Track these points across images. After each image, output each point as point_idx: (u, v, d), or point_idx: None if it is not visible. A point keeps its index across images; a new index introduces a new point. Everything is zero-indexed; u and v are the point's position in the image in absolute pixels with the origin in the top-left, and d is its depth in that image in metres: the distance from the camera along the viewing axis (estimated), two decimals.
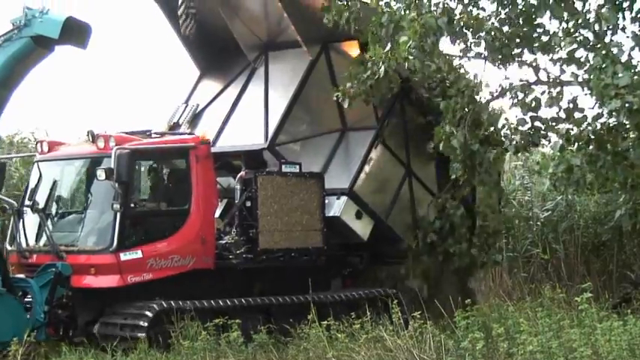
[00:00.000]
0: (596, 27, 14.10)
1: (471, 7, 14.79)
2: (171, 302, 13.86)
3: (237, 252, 15.00)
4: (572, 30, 14.26)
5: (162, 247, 14.43)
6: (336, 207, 15.98)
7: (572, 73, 14.24)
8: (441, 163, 16.98)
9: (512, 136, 14.70)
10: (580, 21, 14.18)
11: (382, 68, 14.73)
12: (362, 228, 16.21)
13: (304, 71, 16.27)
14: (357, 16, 15.22)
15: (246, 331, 13.81)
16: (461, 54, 15.18)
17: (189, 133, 15.91)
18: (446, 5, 14.51)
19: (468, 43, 14.78)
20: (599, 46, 13.97)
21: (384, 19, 14.79)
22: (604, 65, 13.50)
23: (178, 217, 14.68)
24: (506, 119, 14.89)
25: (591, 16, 14.17)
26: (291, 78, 16.47)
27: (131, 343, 13.53)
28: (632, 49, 14.05)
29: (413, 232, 16.88)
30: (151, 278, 14.27)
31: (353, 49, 16.48)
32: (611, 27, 14.04)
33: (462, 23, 14.53)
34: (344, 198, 16.01)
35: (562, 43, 14.14)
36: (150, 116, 26.11)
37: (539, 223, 20.09)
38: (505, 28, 14.68)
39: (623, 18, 14.29)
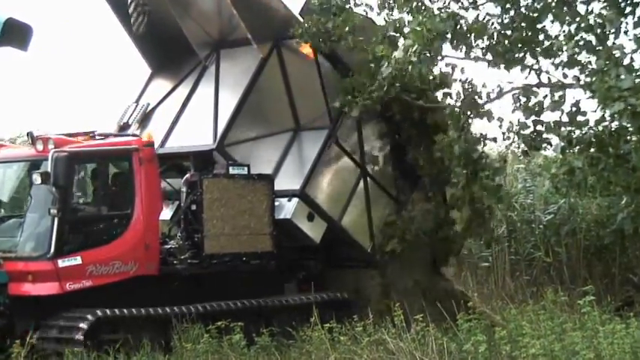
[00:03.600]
0: (599, 30, 13.98)
1: (473, 11, 14.83)
2: (107, 311, 13.45)
3: (182, 257, 14.57)
4: (574, 33, 14.16)
5: (103, 253, 14.02)
6: (287, 209, 15.53)
7: (574, 76, 14.22)
8: (402, 164, 16.71)
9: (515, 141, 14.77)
10: (583, 24, 14.07)
11: (389, 69, 14.49)
12: (314, 230, 15.76)
13: (255, 69, 15.82)
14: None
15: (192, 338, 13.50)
16: (463, 56, 15.05)
17: (133, 135, 15.46)
18: (451, 10, 14.47)
19: (470, 47, 14.72)
20: (601, 48, 13.86)
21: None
22: (606, 68, 13.39)
23: (120, 222, 14.29)
24: (510, 122, 14.76)
25: (592, 18, 14.07)
26: (242, 77, 15.97)
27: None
28: (635, 51, 13.94)
29: (368, 233, 16.47)
30: (91, 285, 13.87)
31: (306, 46, 16.00)
32: (613, 30, 13.91)
33: (465, 28, 14.46)
34: (295, 200, 15.55)
35: (564, 47, 14.06)
36: (103, 116, 25.58)
37: (541, 226, 20.10)
38: (508, 32, 14.64)
39: (626, 22, 14.20)
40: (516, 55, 14.42)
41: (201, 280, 14.97)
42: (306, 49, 15.92)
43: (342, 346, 12.76)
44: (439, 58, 14.58)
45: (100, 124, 17.52)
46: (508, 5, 14.41)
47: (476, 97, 15.02)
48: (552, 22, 14.28)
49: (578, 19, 14.04)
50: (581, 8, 14.23)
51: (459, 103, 15.09)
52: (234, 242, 14.97)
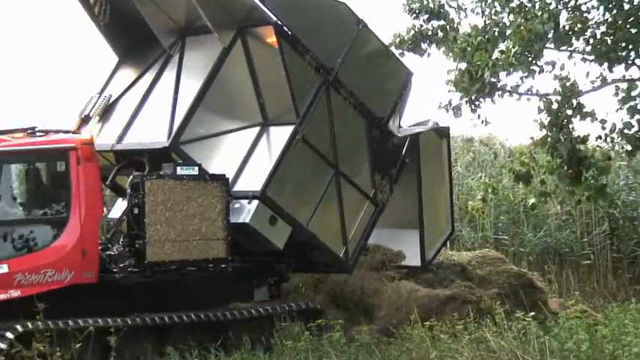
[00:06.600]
0: None
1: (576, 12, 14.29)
2: (18, 326, 12.37)
3: (122, 265, 13.44)
4: None
5: (33, 260, 12.97)
6: (246, 212, 14.25)
7: None
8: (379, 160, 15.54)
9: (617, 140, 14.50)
10: None
11: (488, 74, 13.81)
12: (276, 235, 14.45)
13: (216, 59, 14.57)
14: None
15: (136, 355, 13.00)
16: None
17: (74, 132, 14.34)
18: (552, 10, 13.82)
19: (573, 48, 14.34)
20: None
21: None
22: None
23: (54, 227, 13.21)
24: (613, 123, 14.24)
25: None
26: (206, 67, 14.74)
27: None
28: None
29: (341, 238, 15.16)
30: (19, 295, 12.84)
31: (270, 34, 14.70)
32: None
33: (567, 28, 14.05)
34: (255, 202, 14.27)
35: None
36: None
37: None
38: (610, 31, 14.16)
39: None
40: (620, 54, 14.05)
41: (152, 289, 13.88)
42: (271, 37, 14.63)
43: (442, 344, 12.66)
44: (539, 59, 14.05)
45: (66, 117, 16.38)
46: (611, 5, 13.94)
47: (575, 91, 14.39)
48: None
49: None
50: None
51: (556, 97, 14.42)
52: (182, 249, 13.73)
